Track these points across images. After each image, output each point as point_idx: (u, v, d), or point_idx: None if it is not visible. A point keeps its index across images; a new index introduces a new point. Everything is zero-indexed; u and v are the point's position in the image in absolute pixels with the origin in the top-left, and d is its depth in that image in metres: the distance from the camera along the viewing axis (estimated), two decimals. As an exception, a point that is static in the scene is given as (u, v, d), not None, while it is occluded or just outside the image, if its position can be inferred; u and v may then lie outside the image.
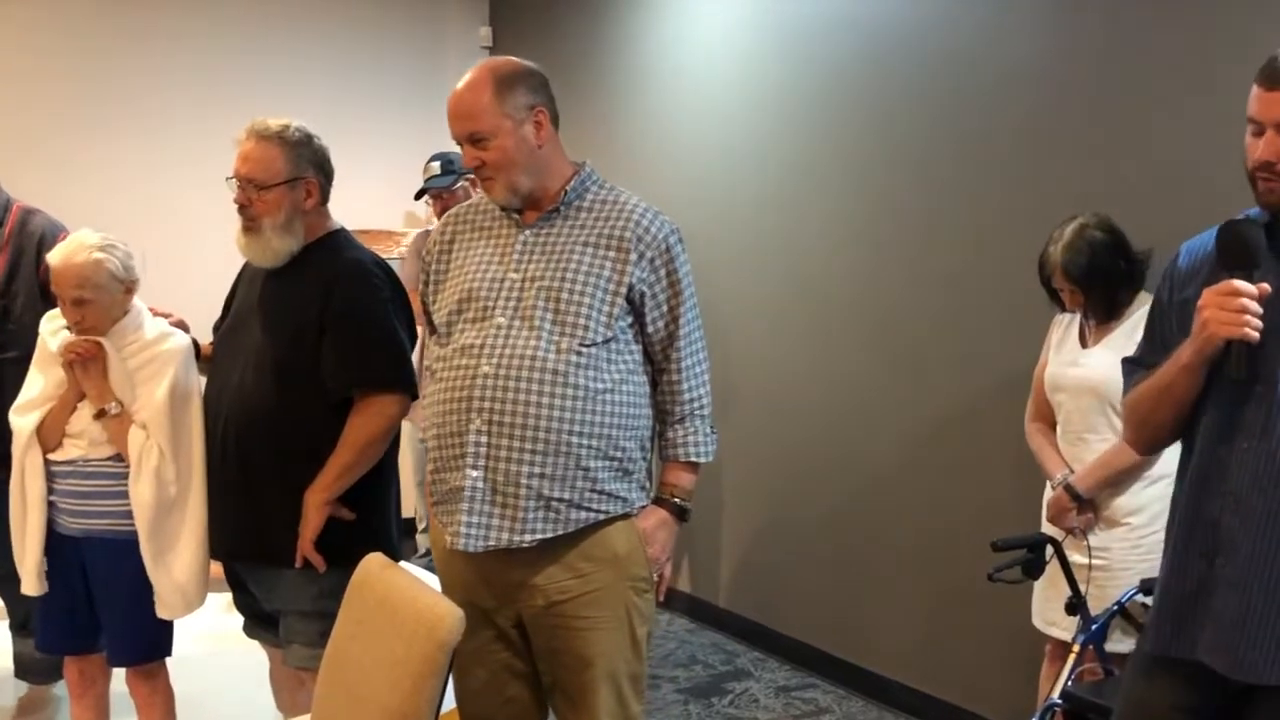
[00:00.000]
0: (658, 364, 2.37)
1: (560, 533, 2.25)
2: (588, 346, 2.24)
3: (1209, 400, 1.90)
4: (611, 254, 2.29)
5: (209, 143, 2.99)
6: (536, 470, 2.21)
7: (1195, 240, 2.03)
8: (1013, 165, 3.52)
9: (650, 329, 2.33)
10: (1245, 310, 1.77)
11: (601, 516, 2.28)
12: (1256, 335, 1.78)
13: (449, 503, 2.28)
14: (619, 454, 2.28)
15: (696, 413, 2.39)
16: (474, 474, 2.23)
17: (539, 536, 2.23)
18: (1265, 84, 1.80)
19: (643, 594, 2.34)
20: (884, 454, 4.02)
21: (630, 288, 2.28)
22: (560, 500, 2.23)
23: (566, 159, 2.38)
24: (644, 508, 2.36)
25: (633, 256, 2.29)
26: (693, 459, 2.40)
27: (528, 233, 2.34)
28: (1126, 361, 2.11)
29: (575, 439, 2.22)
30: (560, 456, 2.22)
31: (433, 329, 2.44)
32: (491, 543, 2.23)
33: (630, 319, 2.31)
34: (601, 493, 2.26)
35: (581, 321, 2.25)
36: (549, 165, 2.34)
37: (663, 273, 2.32)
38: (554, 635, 2.30)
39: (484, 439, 2.22)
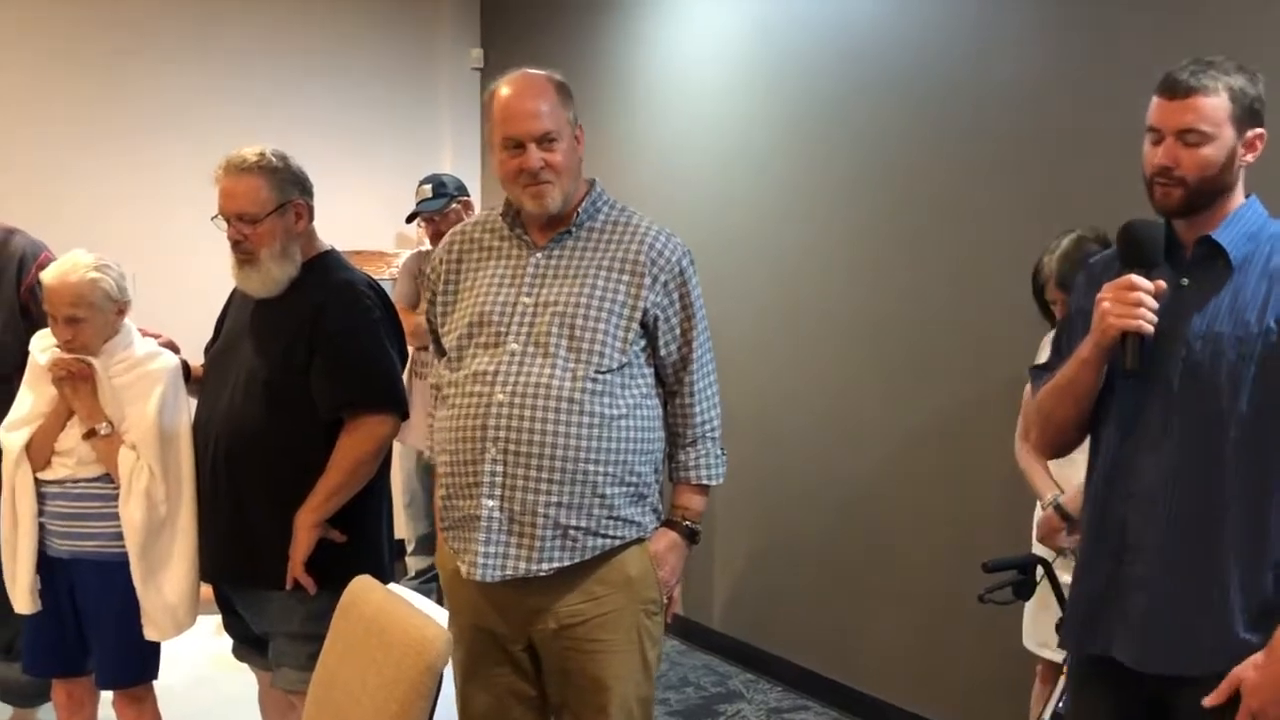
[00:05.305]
0: (669, 386, 2.36)
1: (577, 560, 2.23)
2: (603, 373, 2.22)
3: (1114, 403, 1.99)
4: (626, 278, 2.27)
5: (199, 165, 2.97)
6: (554, 499, 2.19)
7: (1101, 254, 2.17)
8: (1005, 182, 3.53)
9: (663, 352, 2.32)
10: (1141, 304, 1.87)
11: (617, 542, 2.26)
12: (1150, 328, 1.87)
13: (462, 529, 2.26)
14: (634, 479, 2.26)
15: (708, 435, 2.40)
16: (490, 504, 2.20)
17: (556, 565, 2.22)
18: (1166, 95, 1.91)
19: (653, 616, 2.34)
20: (875, 474, 4.02)
21: (645, 312, 2.27)
22: (578, 528, 2.21)
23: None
24: (656, 530, 2.34)
25: (647, 280, 2.27)
26: (705, 481, 2.40)
27: (539, 255, 2.31)
28: (1034, 369, 2.20)
29: (592, 467, 2.20)
30: (578, 485, 2.20)
31: (440, 351, 2.41)
32: (509, 573, 2.21)
33: (643, 343, 2.29)
34: (617, 519, 2.25)
35: (597, 348, 2.22)
36: (579, 182, 2.34)
37: (675, 296, 2.31)
38: (566, 658, 2.28)
39: (499, 468, 2.20)
